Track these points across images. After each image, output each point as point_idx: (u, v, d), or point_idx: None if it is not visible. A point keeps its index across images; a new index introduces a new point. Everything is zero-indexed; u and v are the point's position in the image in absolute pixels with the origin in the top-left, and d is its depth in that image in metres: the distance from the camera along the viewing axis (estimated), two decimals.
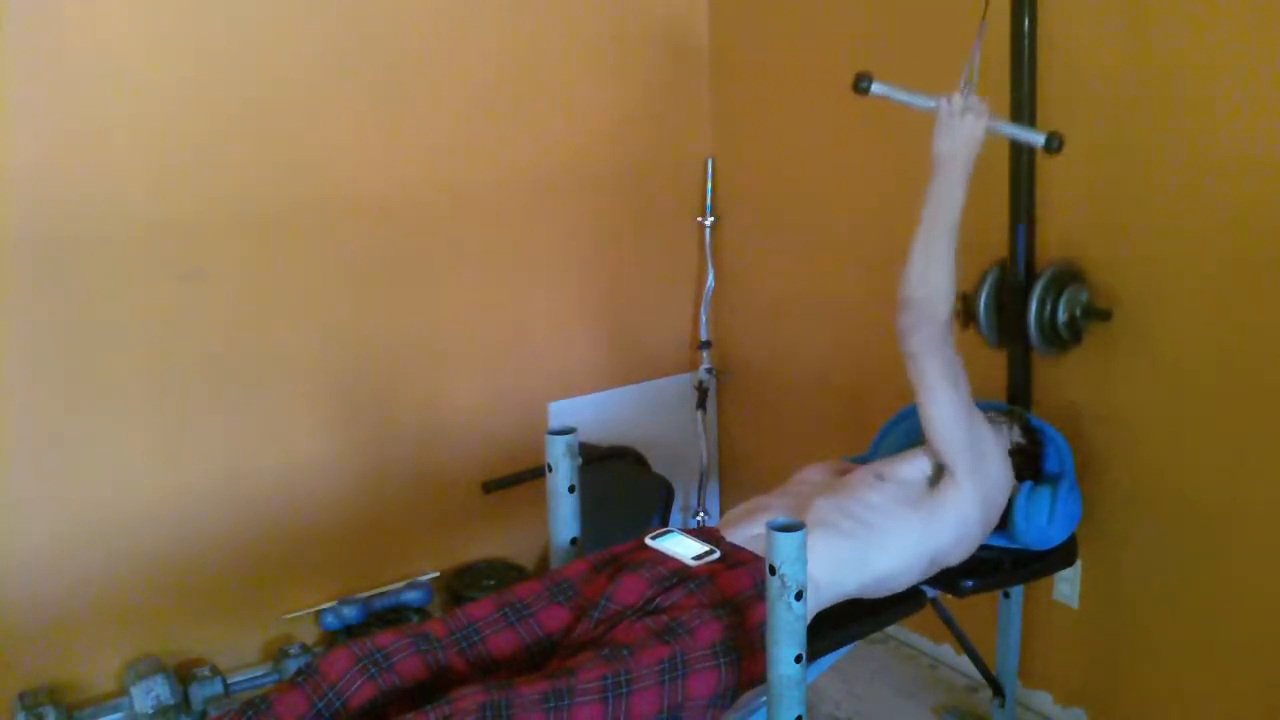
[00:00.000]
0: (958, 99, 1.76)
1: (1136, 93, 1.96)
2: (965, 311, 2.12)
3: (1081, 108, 2.04)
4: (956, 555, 1.81)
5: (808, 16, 2.66)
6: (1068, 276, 2.05)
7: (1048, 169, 2.10)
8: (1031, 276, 2.06)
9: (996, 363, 2.17)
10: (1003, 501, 1.88)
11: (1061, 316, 2.03)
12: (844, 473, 1.97)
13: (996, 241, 2.12)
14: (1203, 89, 1.87)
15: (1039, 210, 2.10)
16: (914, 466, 1.84)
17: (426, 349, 2.66)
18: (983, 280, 2.13)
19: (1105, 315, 2.02)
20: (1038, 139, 1.77)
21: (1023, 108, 2.01)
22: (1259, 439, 1.88)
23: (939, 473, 1.82)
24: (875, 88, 1.79)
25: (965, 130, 1.75)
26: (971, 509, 1.79)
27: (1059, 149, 1.74)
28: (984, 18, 1.84)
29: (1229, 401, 1.91)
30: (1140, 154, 1.98)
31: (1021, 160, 2.06)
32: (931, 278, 1.73)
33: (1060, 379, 2.16)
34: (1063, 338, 2.06)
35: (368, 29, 2.45)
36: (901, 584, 1.77)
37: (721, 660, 1.51)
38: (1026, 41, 1.99)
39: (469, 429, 2.75)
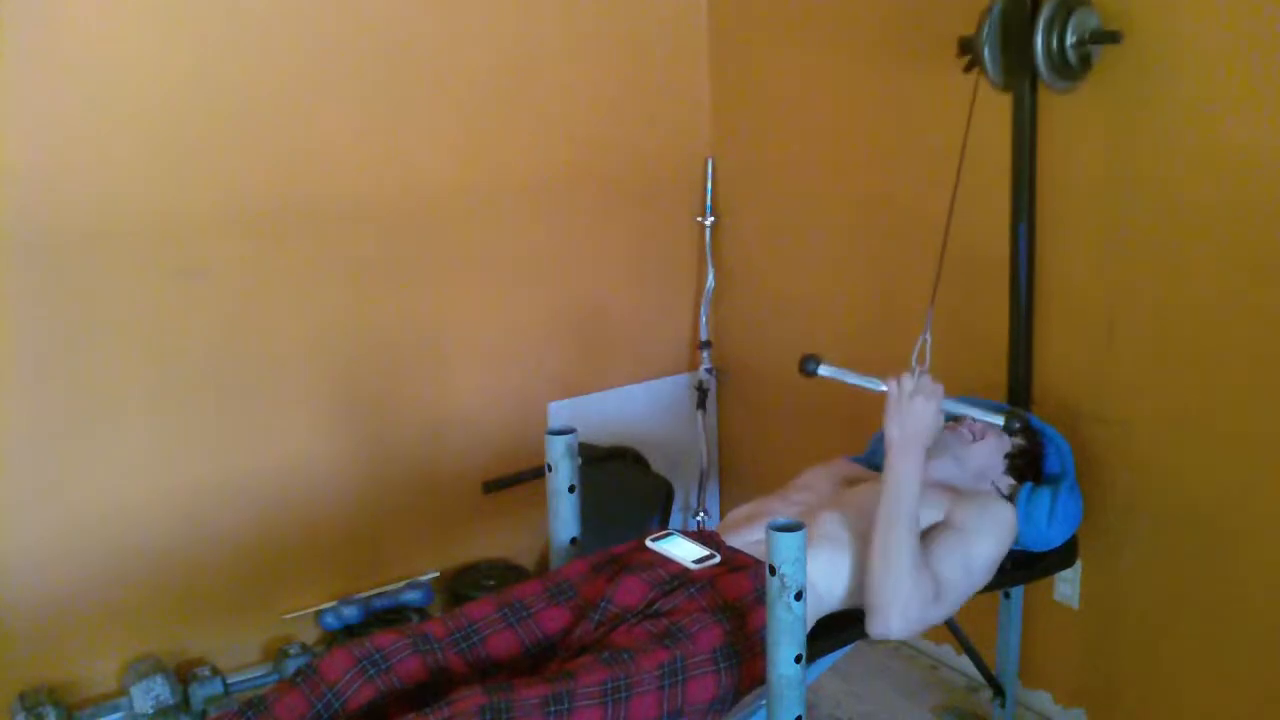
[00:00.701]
0: (907, 380, 1.70)
1: None
2: (968, 51, 2.04)
3: None
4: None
5: (808, 16, 2.66)
6: (1074, 1, 1.97)
7: None
8: (1037, 4, 1.98)
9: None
10: (1013, 539, 1.85)
11: (1070, 40, 1.94)
12: (850, 479, 1.96)
13: None
14: None
15: None
16: (924, 514, 1.78)
17: (427, 349, 2.66)
18: (986, 16, 2.01)
19: (1115, 38, 1.95)
20: (996, 420, 1.73)
21: None
22: (1258, 439, 1.87)
23: (945, 525, 1.79)
24: (822, 370, 1.78)
25: (915, 414, 1.68)
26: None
27: (1019, 431, 1.72)
28: (931, 303, 1.82)
29: (1229, 404, 1.91)
30: None
31: None
32: (890, 590, 1.61)
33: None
34: (1072, 66, 1.98)
35: (368, 29, 2.45)
36: None
37: (721, 665, 1.51)
38: None
39: (469, 429, 2.75)
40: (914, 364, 1.73)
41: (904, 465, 1.67)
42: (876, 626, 1.64)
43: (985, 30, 2.01)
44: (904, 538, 1.64)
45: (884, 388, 1.73)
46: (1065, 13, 1.95)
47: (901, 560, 1.62)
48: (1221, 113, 1.87)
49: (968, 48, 2.04)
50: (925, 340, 1.79)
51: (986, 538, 1.77)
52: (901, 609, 1.62)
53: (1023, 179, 2.06)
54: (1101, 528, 2.12)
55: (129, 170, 2.23)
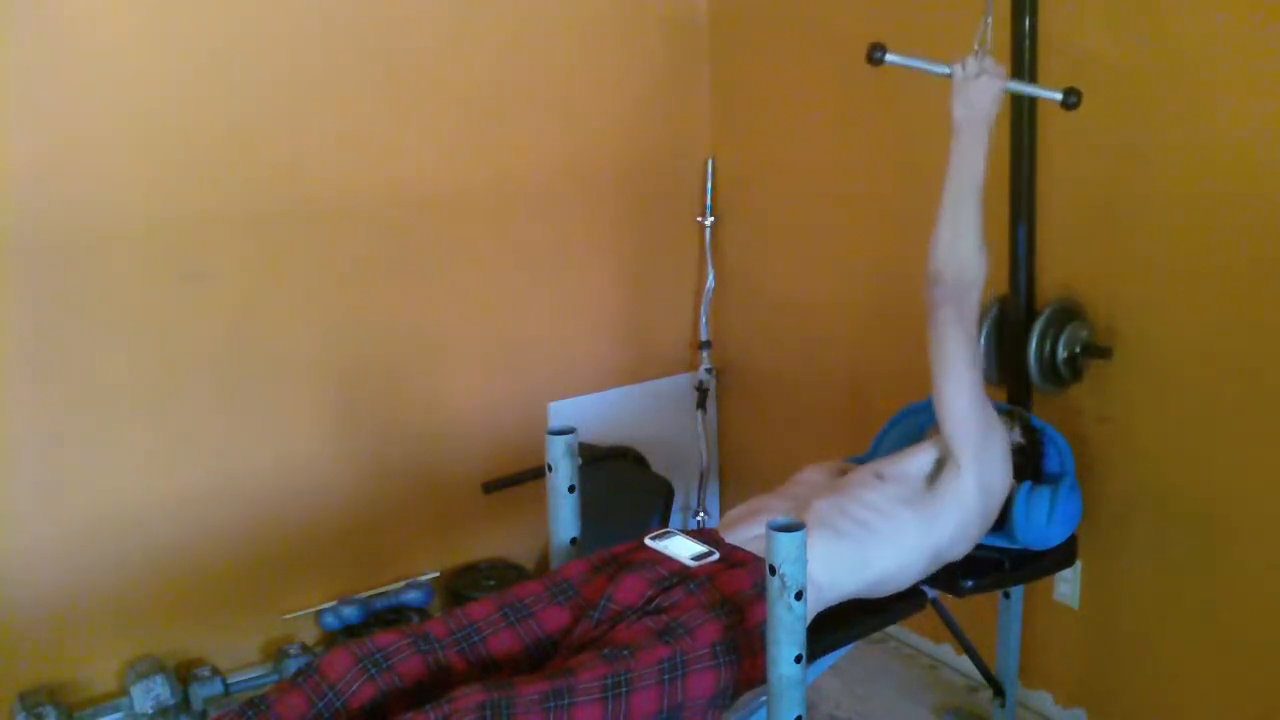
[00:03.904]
0: (971, 63, 1.76)
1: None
2: None
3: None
4: (959, 549, 1.81)
5: (808, 16, 2.66)
6: (1068, 314, 2.04)
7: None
8: (1032, 314, 2.06)
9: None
10: (1003, 492, 1.87)
11: (1061, 354, 2.03)
12: (844, 473, 1.97)
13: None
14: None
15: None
16: (915, 462, 1.84)
17: (427, 349, 2.66)
18: (983, 317, 2.09)
19: (1105, 353, 2.02)
20: (1054, 95, 1.75)
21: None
22: (1258, 439, 1.88)
23: (941, 465, 1.82)
24: (889, 57, 1.79)
25: (980, 93, 1.75)
26: (972, 498, 1.79)
27: (1076, 104, 1.72)
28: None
29: (1229, 404, 1.91)
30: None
31: (1022, 178, 2.07)
32: (960, 248, 1.74)
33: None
34: (1063, 375, 2.05)
35: (368, 30, 2.45)
36: (904, 582, 1.77)
37: (721, 660, 1.51)
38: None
39: (469, 429, 2.75)
40: (976, 46, 1.77)
41: (970, 138, 1.75)
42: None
43: (982, 330, 2.08)
44: (970, 206, 1.74)
45: (948, 71, 1.78)
46: (1059, 324, 2.05)
47: (970, 225, 1.74)
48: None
49: None
50: (987, 23, 1.80)
51: (999, 447, 1.86)
52: (964, 272, 1.74)
53: (1023, 182, 2.07)
54: (1101, 527, 2.12)
55: (131, 172, 2.24)
